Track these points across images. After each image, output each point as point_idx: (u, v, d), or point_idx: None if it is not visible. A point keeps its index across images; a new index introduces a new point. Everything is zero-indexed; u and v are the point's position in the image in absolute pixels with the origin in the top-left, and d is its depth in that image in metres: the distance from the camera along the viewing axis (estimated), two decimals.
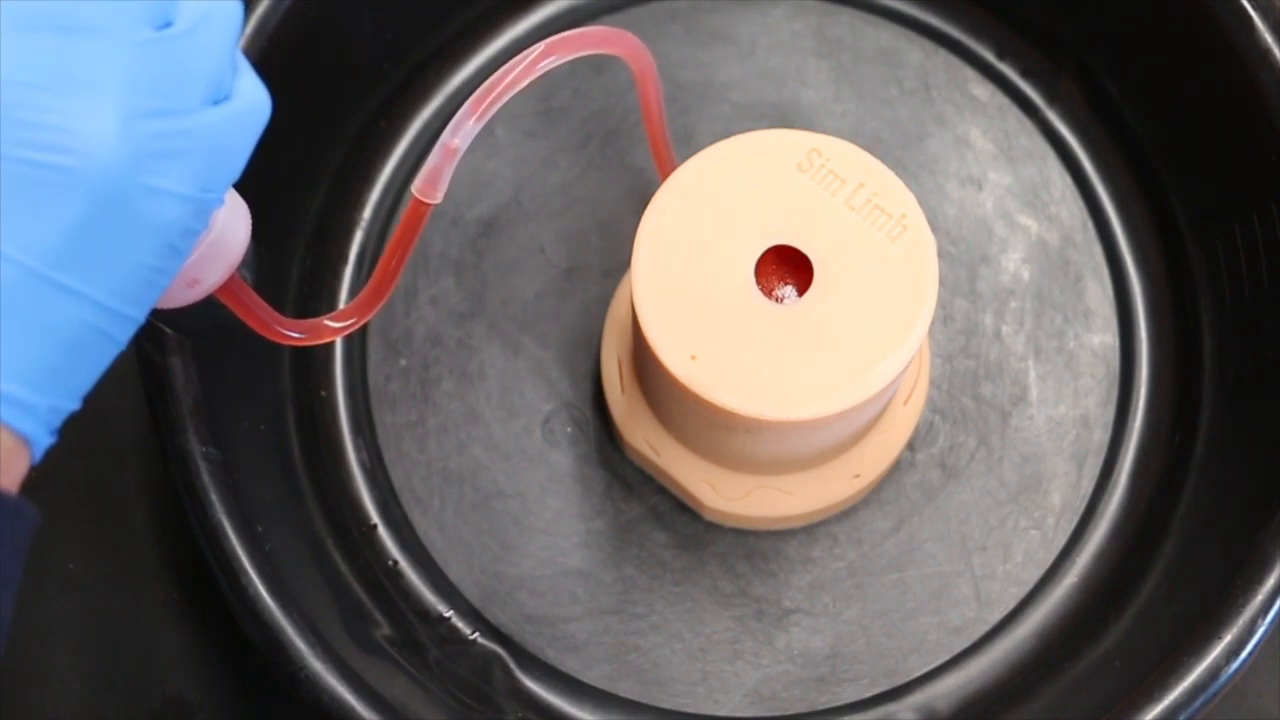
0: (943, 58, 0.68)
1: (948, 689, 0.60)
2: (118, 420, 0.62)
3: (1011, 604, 0.61)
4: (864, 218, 0.52)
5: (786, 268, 0.52)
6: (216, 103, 0.38)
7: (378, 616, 0.58)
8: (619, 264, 0.64)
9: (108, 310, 0.37)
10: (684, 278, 0.51)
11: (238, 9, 0.40)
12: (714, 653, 0.60)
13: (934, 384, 0.63)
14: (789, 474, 0.59)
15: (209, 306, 0.46)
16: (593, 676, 0.60)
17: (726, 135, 0.53)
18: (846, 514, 0.62)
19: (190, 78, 0.37)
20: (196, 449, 0.52)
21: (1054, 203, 0.66)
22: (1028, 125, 0.67)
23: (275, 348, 0.53)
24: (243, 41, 0.55)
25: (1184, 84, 0.62)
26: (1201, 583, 0.55)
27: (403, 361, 0.64)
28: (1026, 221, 0.65)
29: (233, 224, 0.43)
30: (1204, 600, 0.52)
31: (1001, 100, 0.67)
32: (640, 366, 0.58)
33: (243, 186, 0.42)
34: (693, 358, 0.51)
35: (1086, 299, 0.64)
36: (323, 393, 0.63)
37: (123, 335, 0.38)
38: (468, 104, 0.48)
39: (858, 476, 0.60)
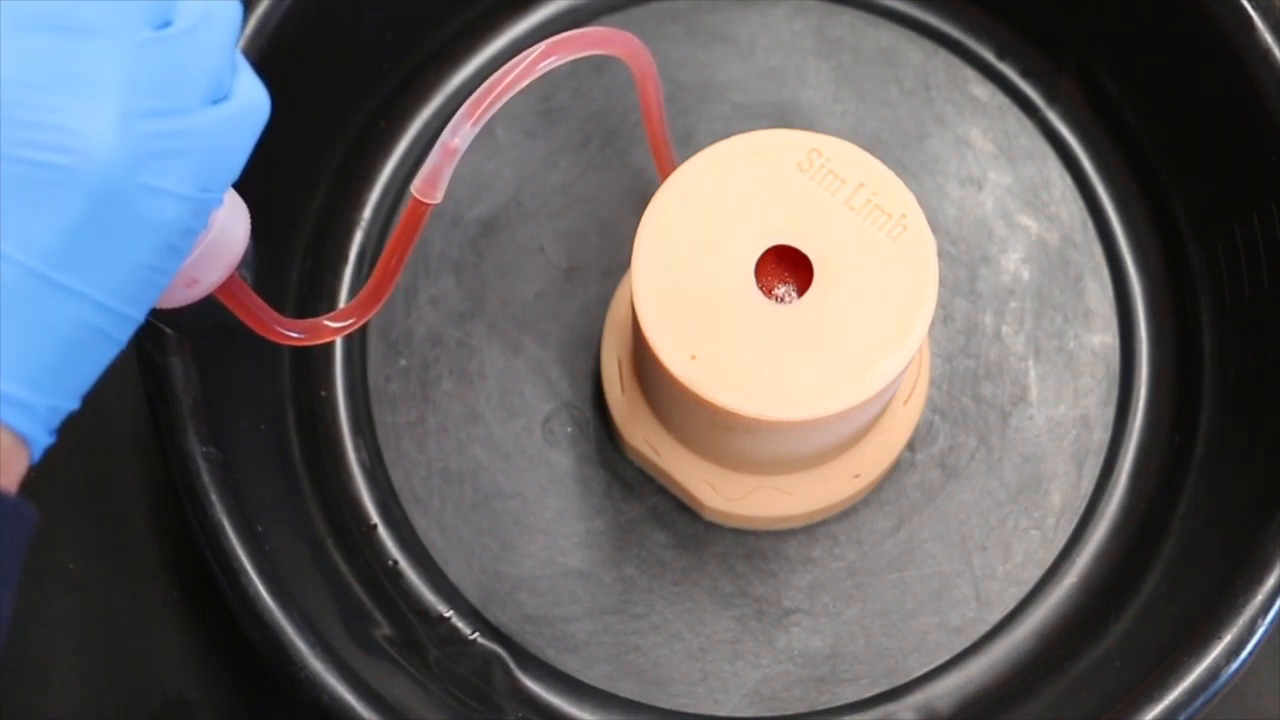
0: (943, 58, 0.68)
1: (948, 689, 0.60)
2: (118, 420, 0.62)
3: (1011, 604, 0.61)
4: (864, 218, 0.52)
5: (786, 268, 0.52)
6: (216, 102, 0.38)
7: (378, 616, 0.58)
8: (619, 264, 0.64)
9: (107, 310, 0.37)
10: (684, 278, 0.51)
11: (237, 9, 0.40)
12: (714, 653, 0.60)
13: (934, 384, 0.63)
14: (789, 474, 0.59)
15: (209, 306, 0.46)
16: (593, 676, 0.60)
17: (726, 135, 0.53)
18: (846, 514, 0.62)
19: (190, 77, 0.37)
20: (196, 449, 0.52)
21: (1054, 203, 0.66)
22: (1028, 125, 0.67)
23: (275, 348, 0.53)
24: (243, 41, 0.55)
25: (1184, 84, 0.62)
26: (1201, 583, 0.55)
27: (403, 361, 0.64)
28: (1026, 221, 0.65)
29: (232, 224, 0.43)
30: (1204, 600, 0.52)
31: (1001, 100, 0.67)
32: (640, 366, 0.58)
33: (243, 186, 0.42)
34: (693, 358, 0.51)
35: (1086, 299, 0.64)
36: (323, 393, 0.63)
37: (122, 335, 0.38)
38: (467, 104, 0.48)
39: (858, 476, 0.60)
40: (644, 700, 0.59)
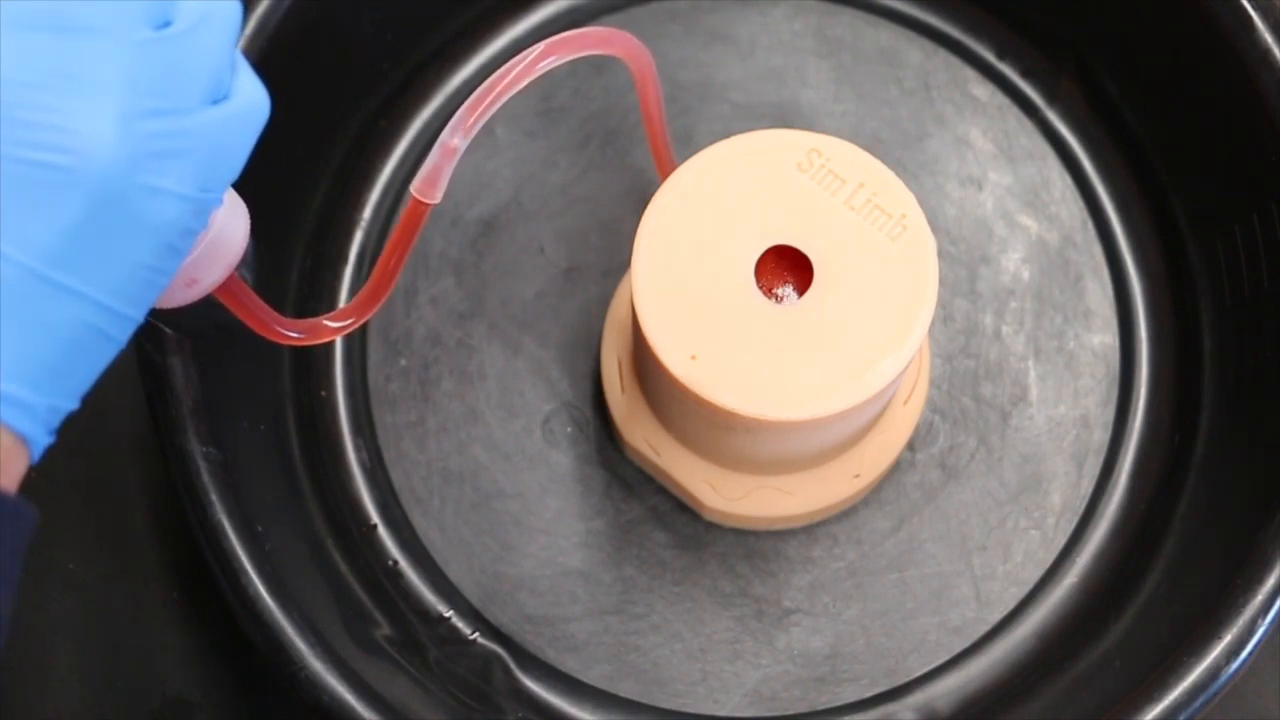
0: (943, 58, 0.68)
1: (948, 689, 0.60)
2: (118, 420, 0.62)
3: (1011, 604, 0.61)
4: (864, 218, 0.52)
5: (786, 268, 0.52)
6: (216, 102, 0.38)
7: (378, 616, 0.58)
8: (619, 264, 0.64)
9: (107, 310, 0.37)
10: (684, 278, 0.51)
11: (237, 9, 0.40)
12: (714, 653, 0.60)
13: (934, 384, 0.63)
14: (789, 474, 0.59)
15: (209, 306, 0.46)
16: (593, 676, 0.60)
17: (726, 135, 0.53)
18: (846, 514, 0.62)
19: (189, 77, 0.37)
20: (196, 449, 0.52)
21: (1054, 203, 0.66)
22: (1028, 125, 0.67)
23: (275, 348, 0.53)
24: (243, 41, 0.55)
25: (1184, 84, 0.62)
26: (1201, 583, 0.55)
27: (403, 361, 0.64)
28: (1026, 221, 0.65)
29: (231, 224, 0.43)
30: (1204, 600, 0.52)
31: (1001, 100, 0.67)
32: (640, 366, 0.58)
33: (243, 186, 0.42)
34: (693, 358, 0.51)
35: (1086, 299, 0.64)
36: (323, 393, 0.63)
37: (122, 335, 0.38)
38: (467, 104, 0.48)
39: (858, 476, 0.60)
40: (644, 700, 0.59)
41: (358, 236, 0.66)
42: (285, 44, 0.56)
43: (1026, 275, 0.64)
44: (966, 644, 0.60)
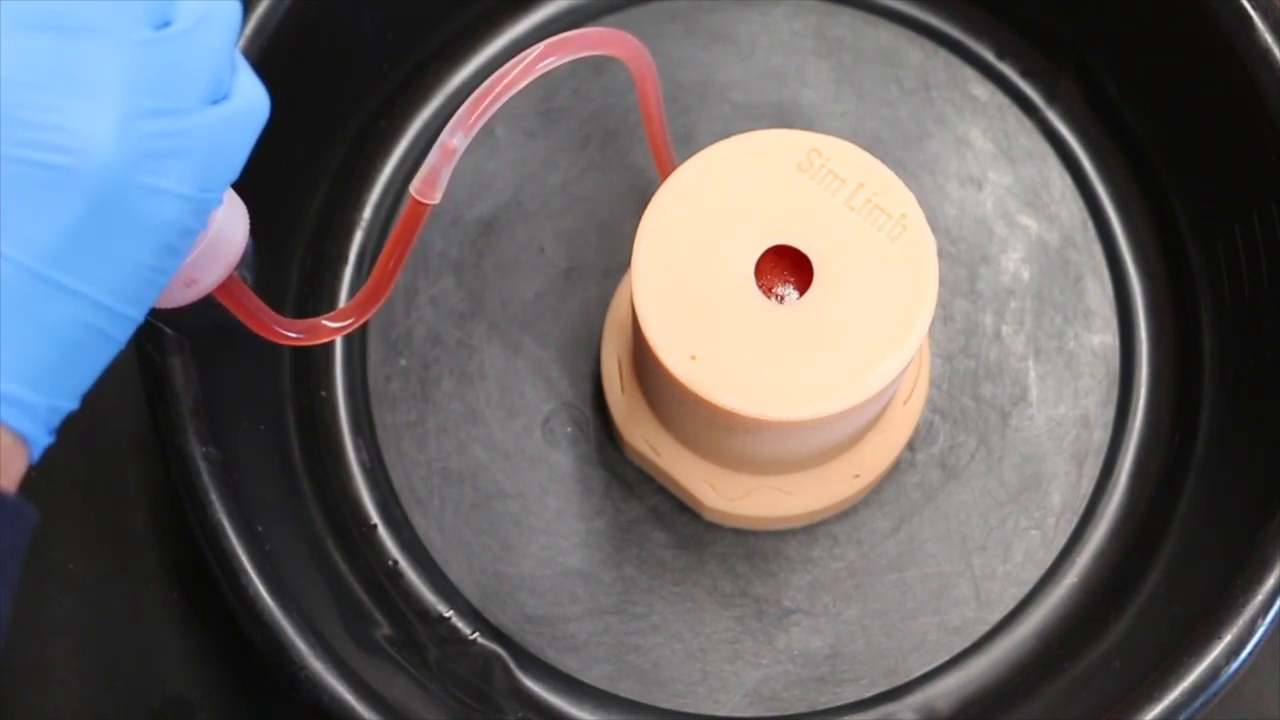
0: (943, 58, 0.68)
1: (948, 689, 0.60)
2: (118, 420, 0.62)
3: (1011, 604, 0.61)
4: (864, 218, 0.52)
5: (786, 267, 0.52)
6: (215, 102, 0.38)
7: (378, 616, 0.58)
8: (619, 264, 0.64)
9: (106, 310, 0.37)
10: (684, 278, 0.51)
11: (237, 9, 0.40)
12: (714, 653, 0.60)
13: (934, 384, 0.63)
14: (789, 474, 0.59)
15: (209, 306, 0.46)
16: (593, 676, 0.60)
17: (726, 135, 0.53)
18: (846, 514, 0.62)
19: (189, 77, 0.37)
20: (196, 449, 0.52)
21: (1054, 203, 0.66)
22: (1028, 125, 0.67)
23: (275, 348, 0.53)
24: (243, 41, 0.55)
25: (1184, 84, 0.62)
26: (1201, 583, 0.55)
27: (403, 361, 0.64)
28: (1026, 221, 0.65)
29: (231, 224, 0.43)
30: (1204, 600, 0.52)
31: (1001, 100, 0.67)
32: (640, 366, 0.58)
33: (243, 186, 0.42)
34: (693, 358, 0.51)
35: (1086, 299, 0.64)
36: (323, 393, 0.63)
37: (121, 335, 0.38)
38: (466, 104, 0.48)
39: (858, 476, 0.60)
40: (644, 700, 0.59)
41: (358, 236, 0.66)
42: (285, 44, 0.56)
43: (1026, 275, 0.64)
44: (966, 644, 0.60)
